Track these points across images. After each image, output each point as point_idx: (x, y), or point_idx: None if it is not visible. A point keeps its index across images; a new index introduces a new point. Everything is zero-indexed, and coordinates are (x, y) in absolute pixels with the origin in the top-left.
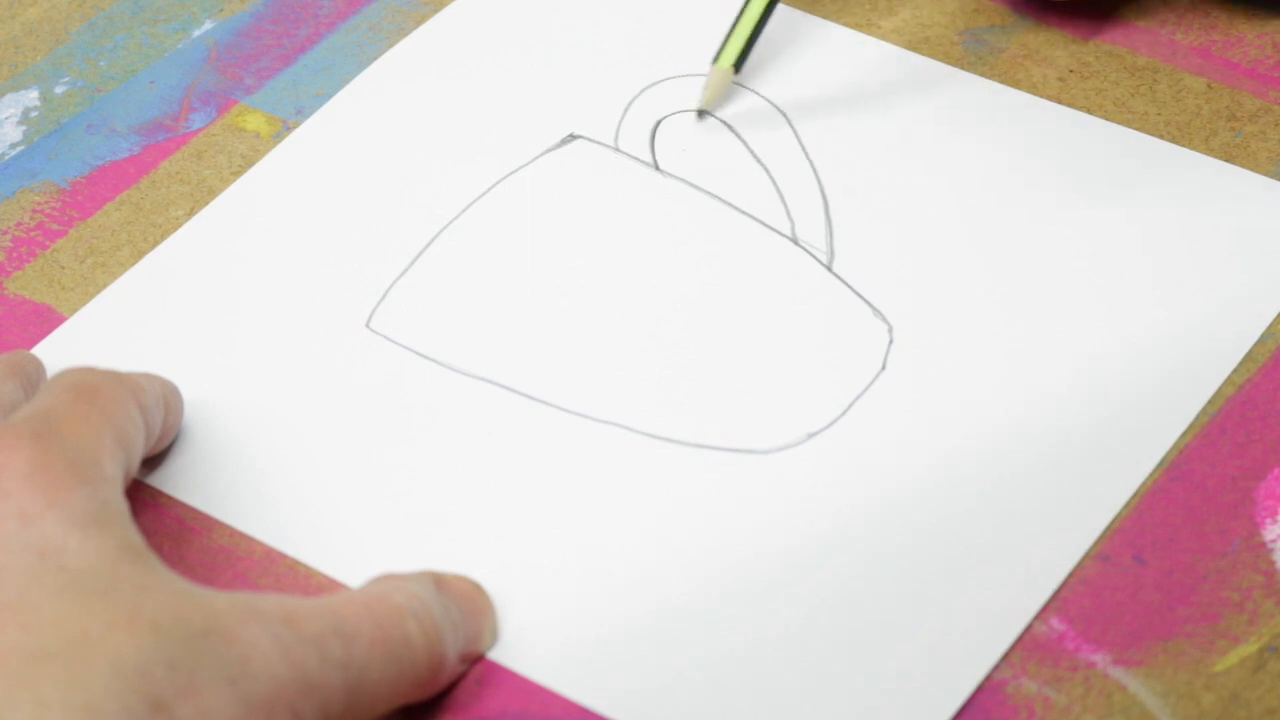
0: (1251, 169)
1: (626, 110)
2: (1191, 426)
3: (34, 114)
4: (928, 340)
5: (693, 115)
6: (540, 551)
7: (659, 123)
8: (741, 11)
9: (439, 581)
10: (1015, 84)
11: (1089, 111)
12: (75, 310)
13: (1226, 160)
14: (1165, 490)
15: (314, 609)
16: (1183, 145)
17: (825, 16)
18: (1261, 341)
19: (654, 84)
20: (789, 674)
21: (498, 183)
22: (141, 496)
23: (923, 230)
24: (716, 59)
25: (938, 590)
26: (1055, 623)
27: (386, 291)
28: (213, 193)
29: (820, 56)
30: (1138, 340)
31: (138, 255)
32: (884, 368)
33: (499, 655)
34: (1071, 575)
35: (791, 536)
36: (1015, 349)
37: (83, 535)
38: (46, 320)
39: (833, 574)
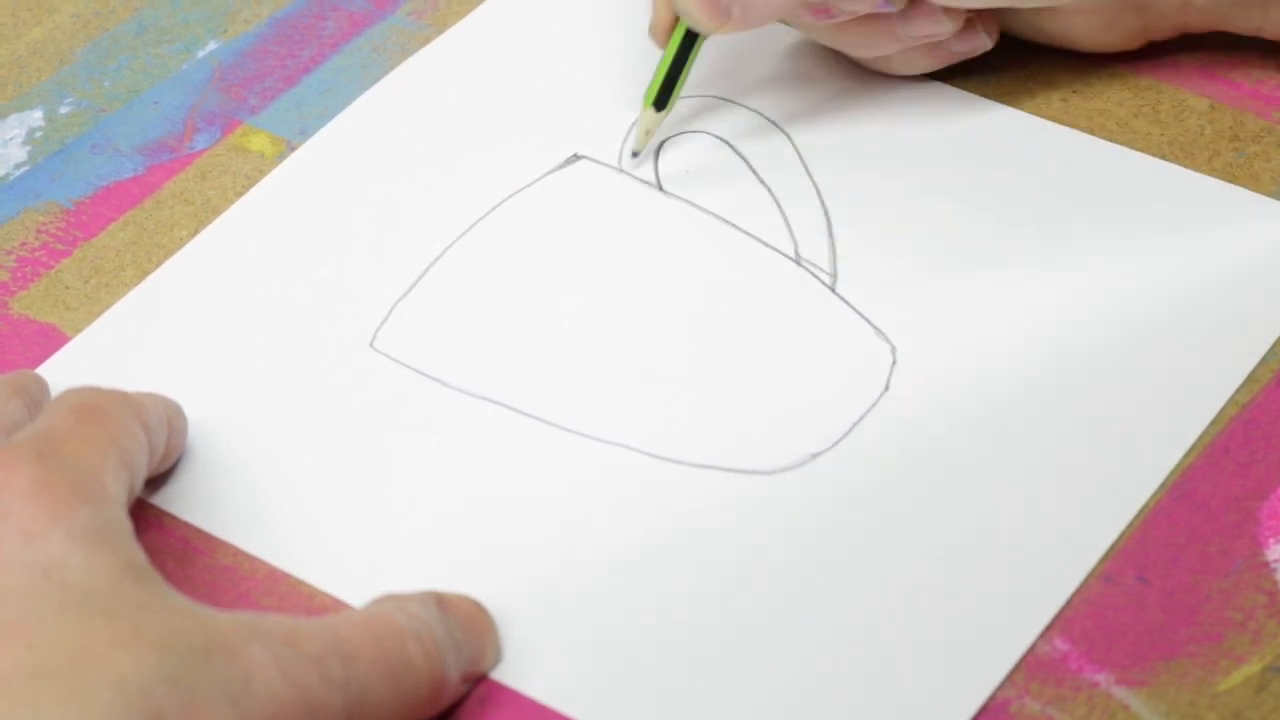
0: (1254, 189)
1: (630, 131)
2: (1194, 446)
3: (39, 134)
4: (931, 361)
5: (697, 137)
6: (543, 571)
7: (662, 143)
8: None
9: (441, 601)
10: (1018, 104)
11: (1091, 132)
12: (79, 330)
13: (1229, 181)
14: (1168, 510)
15: (316, 629)
16: (1185, 166)
17: None
18: (1265, 361)
19: None
20: (792, 695)
21: (501, 203)
22: (145, 516)
23: (926, 251)
24: (646, 100)
25: (941, 610)
26: (1059, 642)
27: (390, 311)
28: (217, 213)
29: (823, 77)
30: (1140, 360)
31: (142, 275)
32: (887, 388)
33: (501, 675)
34: (1075, 595)
35: (795, 557)
36: (1017, 369)
37: (85, 554)
38: (51, 340)
39: (836, 594)
